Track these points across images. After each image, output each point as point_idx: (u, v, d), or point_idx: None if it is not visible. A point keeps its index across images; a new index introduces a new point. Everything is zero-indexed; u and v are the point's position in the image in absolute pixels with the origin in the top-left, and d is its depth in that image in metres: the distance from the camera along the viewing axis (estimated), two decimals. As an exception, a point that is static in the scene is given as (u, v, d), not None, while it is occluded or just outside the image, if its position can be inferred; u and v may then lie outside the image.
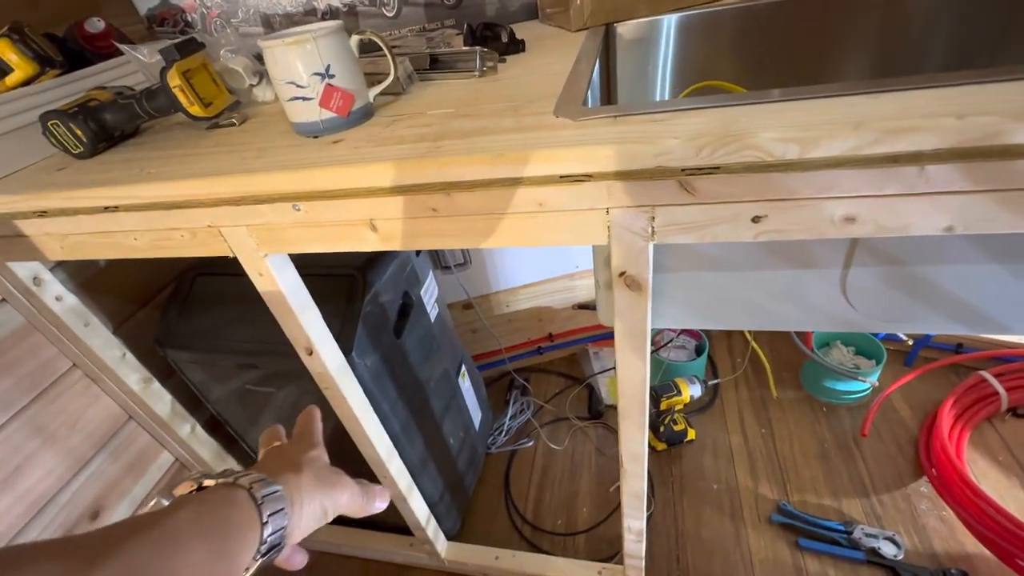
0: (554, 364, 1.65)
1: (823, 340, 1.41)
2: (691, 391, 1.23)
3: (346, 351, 0.78)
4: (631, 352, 0.58)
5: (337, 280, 0.85)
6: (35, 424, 0.83)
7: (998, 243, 0.46)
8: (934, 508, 1.11)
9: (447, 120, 0.52)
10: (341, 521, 1.22)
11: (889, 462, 1.21)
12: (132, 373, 0.90)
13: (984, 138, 0.34)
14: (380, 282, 0.87)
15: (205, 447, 1.05)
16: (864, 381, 1.29)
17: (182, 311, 0.93)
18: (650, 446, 1.33)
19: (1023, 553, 0.96)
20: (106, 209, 0.57)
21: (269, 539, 0.32)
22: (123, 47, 0.67)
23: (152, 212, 0.58)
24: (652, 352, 1.46)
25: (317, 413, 0.48)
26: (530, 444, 1.42)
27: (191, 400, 1.02)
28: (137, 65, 0.69)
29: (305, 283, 0.70)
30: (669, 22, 0.78)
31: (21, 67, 0.64)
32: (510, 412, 1.50)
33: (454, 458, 1.16)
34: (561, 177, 0.43)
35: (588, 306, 1.55)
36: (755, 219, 0.44)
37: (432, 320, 1.03)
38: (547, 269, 1.45)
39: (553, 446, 1.40)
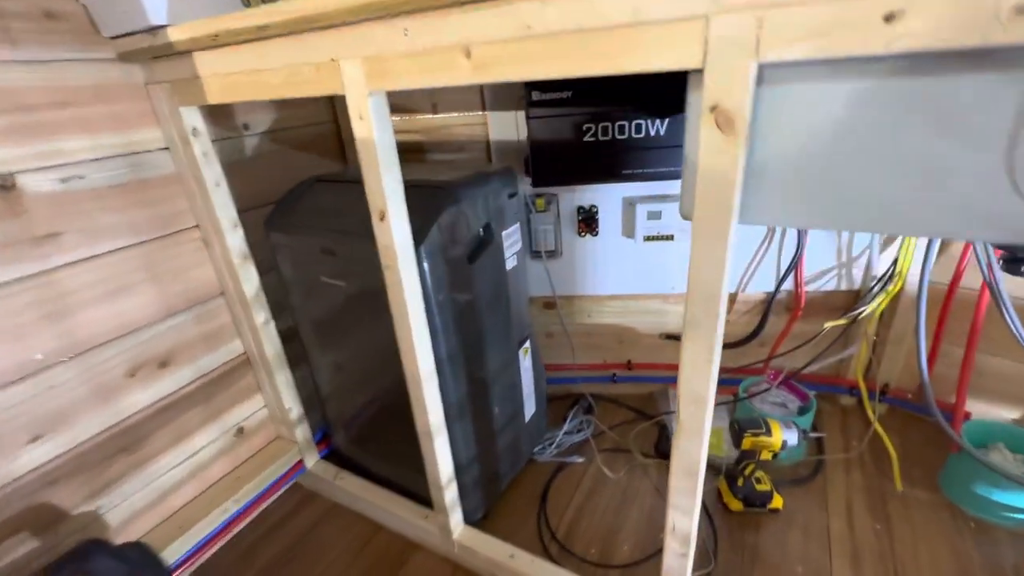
0: (626, 397, 1.49)
1: (980, 437, 1.11)
2: (785, 436, 1.02)
3: (417, 241, 0.79)
4: (710, 233, 0.50)
5: (430, 190, 0.88)
6: (150, 259, 0.94)
7: None
8: None
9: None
10: (365, 474, 1.17)
11: (1072, 612, 0.86)
12: (238, 244, 0.99)
13: None
14: (465, 200, 0.88)
15: (270, 344, 1.09)
16: (1039, 496, 0.97)
17: (295, 205, 1.02)
18: (723, 503, 1.11)
19: None
20: (258, 29, 0.66)
21: None
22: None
23: (289, 41, 0.66)
24: (743, 398, 1.26)
25: None
26: (580, 461, 1.26)
27: (275, 303, 1.08)
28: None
29: (404, 193, 0.74)
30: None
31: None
32: (566, 427, 1.37)
33: (494, 431, 1.07)
34: (661, -46, 0.41)
35: (678, 337, 1.41)
36: (888, 17, 0.37)
37: (507, 268, 1.00)
38: (640, 283, 1.37)
39: (607, 472, 1.23)
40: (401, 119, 1.29)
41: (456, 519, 1.01)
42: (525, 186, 1.26)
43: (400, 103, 1.27)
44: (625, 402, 1.48)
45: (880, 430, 1.22)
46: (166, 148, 0.93)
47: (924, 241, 1.11)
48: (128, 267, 0.90)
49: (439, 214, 0.83)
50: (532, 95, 1.07)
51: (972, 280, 1.13)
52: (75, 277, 0.84)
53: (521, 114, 1.19)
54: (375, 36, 0.60)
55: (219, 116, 1.03)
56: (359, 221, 0.80)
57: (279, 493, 1.23)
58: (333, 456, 1.29)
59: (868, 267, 1.23)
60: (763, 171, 0.48)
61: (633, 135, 1.08)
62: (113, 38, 0.82)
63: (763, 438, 1.01)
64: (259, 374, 1.15)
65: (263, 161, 1.12)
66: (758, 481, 1.09)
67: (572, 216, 1.30)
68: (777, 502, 1.08)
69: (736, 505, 1.09)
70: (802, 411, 1.23)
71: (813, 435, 1.08)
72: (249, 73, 0.74)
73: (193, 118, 0.89)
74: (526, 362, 1.14)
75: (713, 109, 0.45)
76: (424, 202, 0.85)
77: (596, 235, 1.31)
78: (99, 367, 0.88)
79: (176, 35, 0.74)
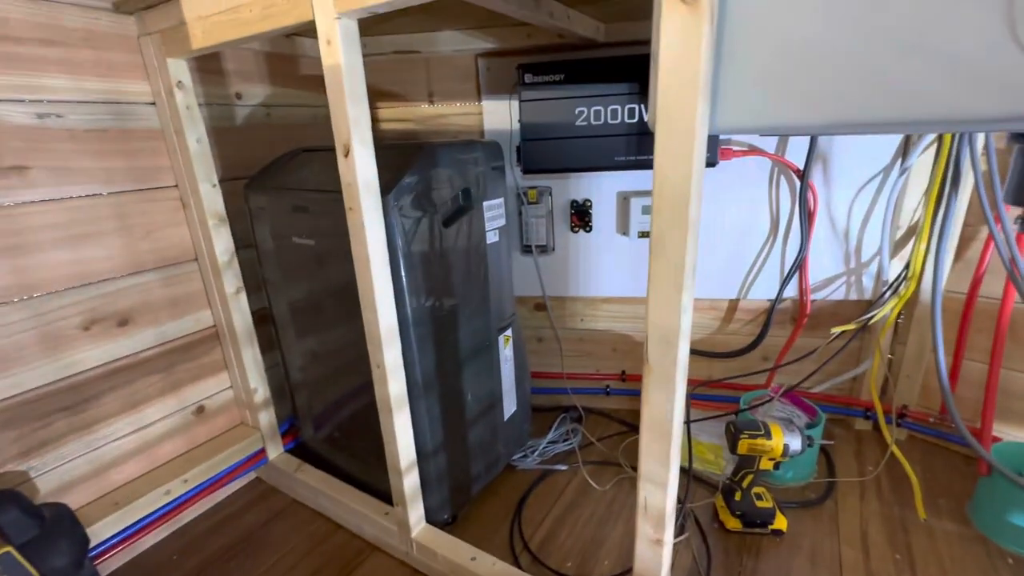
0: (619, 411, 1.39)
1: (1013, 460, 0.98)
2: (786, 439, 0.91)
3: (385, 189, 0.75)
4: (675, 129, 0.45)
5: (408, 147, 0.86)
6: (121, 210, 0.91)
7: None
8: None
9: None
10: (334, 473, 1.07)
11: None
12: (215, 205, 0.97)
13: None
14: (443, 161, 0.85)
15: (240, 317, 1.04)
16: (1084, 525, 0.83)
17: (277, 171, 1.01)
18: (719, 522, 0.99)
19: None
20: (237, -43, 0.67)
21: None
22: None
23: (268, -34, 0.66)
24: (743, 410, 1.16)
25: None
26: (564, 469, 1.16)
27: (252, 286, 1.06)
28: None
29: (382, 154, 0.73)
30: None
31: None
32: (551, 436, 1.26)
33: (466, 419, 0.98)
34: None
35: (675, 346, 1.33)
36: None
37: (487, 242, 0.96)
38: (635, 285, 1.30)
39: (593, 483, 1.12)
40: (396, 108, 1.29)
41: (417, 514, 0.91)
42: (517, 178, 1.24)
43: (396, 92, 1.28)
44: (618, 416, 1.37)
45: (898, 453, 1.09)
46: (153, 103, 0.93)
47: (935, 245, 1.04)
48: (96, 214, 0.88)
49: (412, 166, 0.80)
50: (525, 77, 1.07)
51: (992, 287, 1.05)
52: (38, 216, 0.81)
53: (515, 104, 1.18)
54: (344, -49, 0.59)
55: (212, 81, 1.04)
56: (334, 180, 0.77)
57: (236, 483, 1.14)
58: (299, 451, 1.21)
59: (879, 274, 1.16)
60: (735, 54, 0.44)
61: (626, 120, 1.06)
62: (110, -13, 0.84)
63: (761, 441, 0.91)
64: (227, 350, 1.10)
65: (253, 133, 1.12)
66: (759, 497, 0.97)
67: (565, 210, 1.26)
68: (780, 522, 0.95)
69: (734, 524, 0.97)
70: (810, 428, 1.11)
71: (820, 442, 0.97)
72: (228, 12, 0.74)
73: (180, 71, 0.89)
74: (506, 351, 1.07)
75: (676, -22, 0.42)
76: (400, 158, 0.83)
77: (589, 231, 1.26)
78: (52, 314, 0.84)
79: (164, -25, 0.76)
